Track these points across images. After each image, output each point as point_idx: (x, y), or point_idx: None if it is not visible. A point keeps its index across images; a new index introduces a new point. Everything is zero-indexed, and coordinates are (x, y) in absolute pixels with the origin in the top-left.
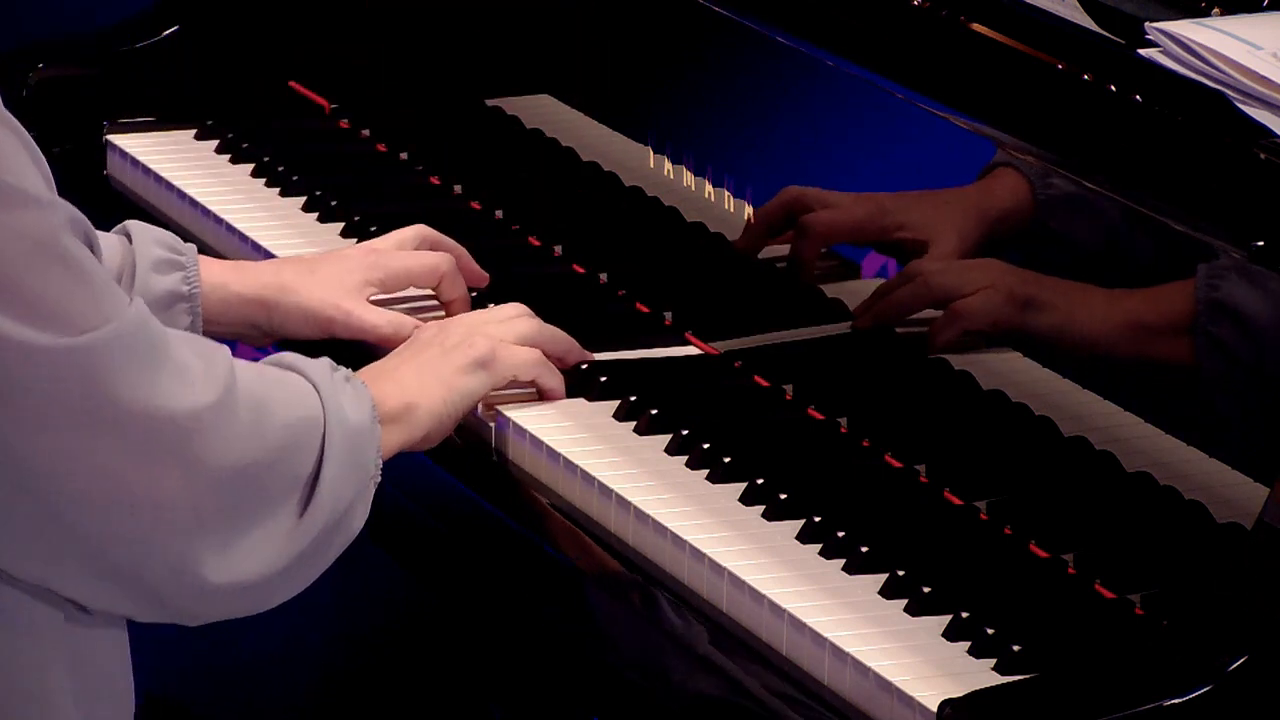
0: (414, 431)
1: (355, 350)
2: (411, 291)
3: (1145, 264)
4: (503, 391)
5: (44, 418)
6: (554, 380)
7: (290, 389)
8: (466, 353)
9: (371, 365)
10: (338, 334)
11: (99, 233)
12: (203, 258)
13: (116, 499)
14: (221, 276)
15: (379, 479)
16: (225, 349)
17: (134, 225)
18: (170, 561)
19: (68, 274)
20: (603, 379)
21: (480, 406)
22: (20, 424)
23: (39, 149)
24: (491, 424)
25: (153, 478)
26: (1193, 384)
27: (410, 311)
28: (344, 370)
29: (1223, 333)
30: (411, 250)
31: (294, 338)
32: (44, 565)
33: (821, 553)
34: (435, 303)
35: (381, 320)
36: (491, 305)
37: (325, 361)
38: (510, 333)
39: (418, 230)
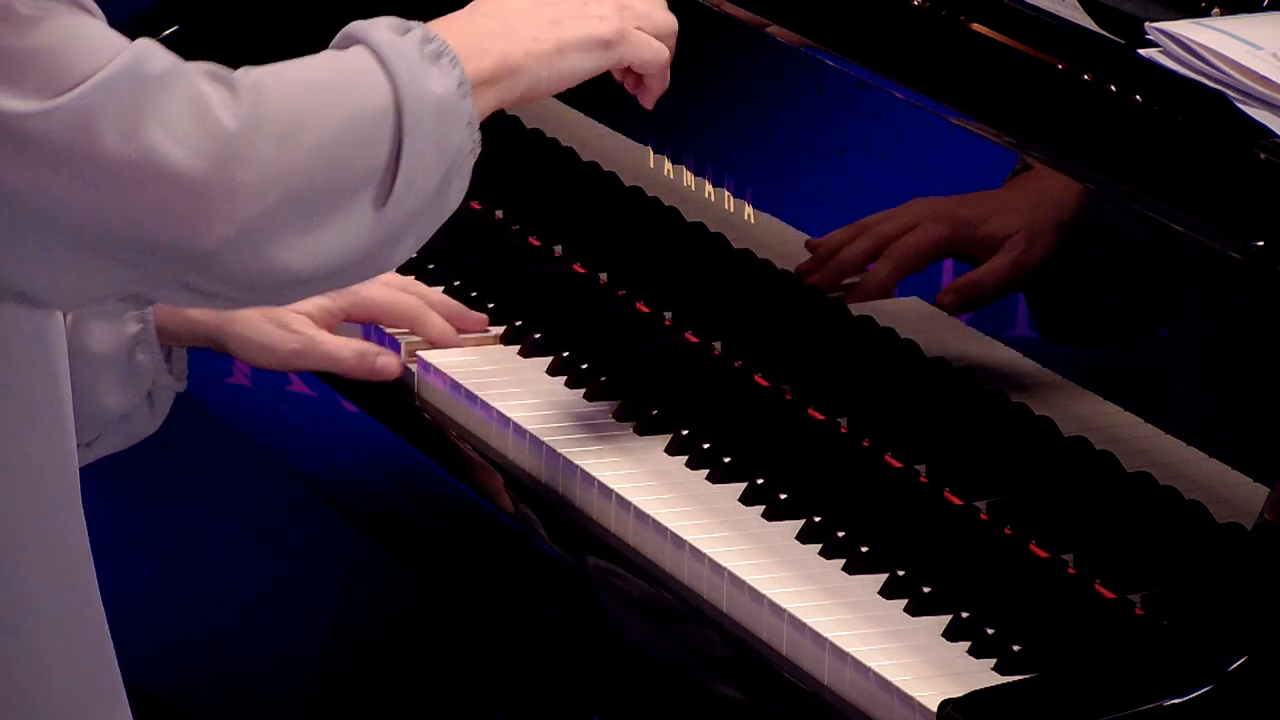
0: (511, 93)
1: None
2: None
3: (1109, 261)
4: None
5: (52, 179)
6: (660, 86)
7: (350, 77)
8: (596, 26)
9: (493, 6)
10: (298, 367)
11: None
12: None
13: (153, 237)
14: None
15: (479, 149)
16: (254, 76)
17: None
18: (239, 262)
19: (50, 45)
20: (602, 379)
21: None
22: (37, 184)
23: None
24: (490, 421)
25: (195, 217)
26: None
27: None
28: (437, 44)
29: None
30: (387, 288)
31: (253, 365)
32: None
33: (821, 553)
34: None
35: (346, 352)
36: (490, 305)
37: (415, 38)
38: (654, 16)
39: (406, 280)
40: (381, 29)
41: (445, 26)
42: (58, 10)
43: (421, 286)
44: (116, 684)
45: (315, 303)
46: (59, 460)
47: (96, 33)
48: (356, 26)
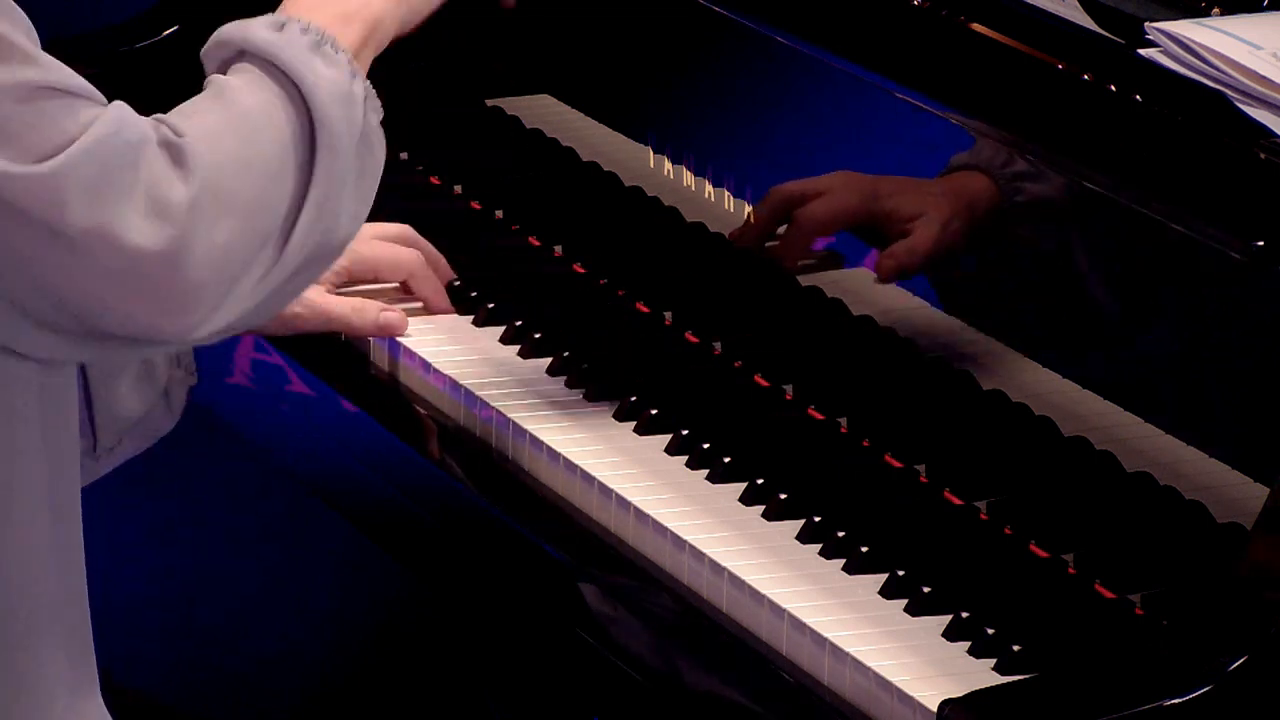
0: (382, 44)
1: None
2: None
3: (1109, 261)
4: None
5: (13, 242)
6: None
7: (269, 118)
8: None
9: None
10: (302, 329)
11: None
12: None
13: (93, 300)
14: None
15: (381, 110)
16: (197, 137)
17: None
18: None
19: (34, 118)
20: (603, 379)
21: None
22: (9, 244)
23: (18, 7)
24: (489, 421)
25: (127, 295)
26: (1179, 377)
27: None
28: (313, 35)
29: (1023, 231)
30: (384, 243)
31: (258, 332)
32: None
33: (821, 553)
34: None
35: (346, 309)
36: (490, 305)
37: (294, 32)
38: None
39: (401, 228)
40: (261, 29)
41: (303, 6)
42: (42, 77)
43: (419, 238)
44: (94, 672)
45: None
46: (64, 480)
47: (77, 96)
48: (239, 35)
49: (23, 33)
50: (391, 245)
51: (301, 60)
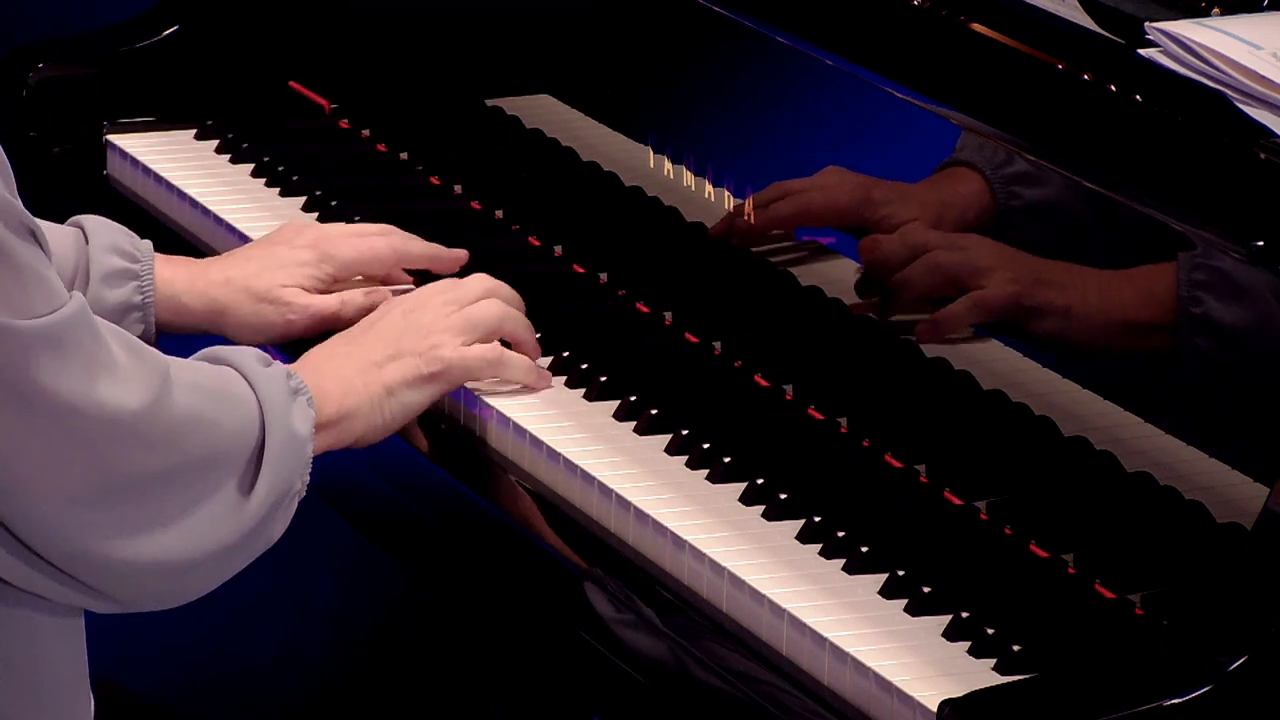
0: (343, 439)
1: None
2: None
3: (1109, 261)
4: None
5: None
6: (516, 373)
7: (230, 403)
8: (416, 365)
9: (318, 350)
10: (297, 335)
11: (48, 223)
12: (158, 259)
13: (23, 483)
14: (172, 287)
15: (304, 493)
16: (164, 363)
17: (89, 223)
18: (73, 543)
19: (11, 264)
20: (603, 379)
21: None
22: None
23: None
24: (489, 420)
25: (62, 470)
26: (1179, 379)
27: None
28: (296, 380)
29: (1203, 344)
30: (360, 237)
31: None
32: None
33: (821, 553)
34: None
35: (334, 304)
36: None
37: (280, 372)
38: (468, 326)
39: (381, 228)
40: (249, 358)
41: (296, 368)
42: (29, 241)
43: (398, 231)
44: (85, 670)
45: (305, 273)
46: None
47: (52, 274)
48: (227, 353)
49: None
50: (365, 239)
51: (278, 396)
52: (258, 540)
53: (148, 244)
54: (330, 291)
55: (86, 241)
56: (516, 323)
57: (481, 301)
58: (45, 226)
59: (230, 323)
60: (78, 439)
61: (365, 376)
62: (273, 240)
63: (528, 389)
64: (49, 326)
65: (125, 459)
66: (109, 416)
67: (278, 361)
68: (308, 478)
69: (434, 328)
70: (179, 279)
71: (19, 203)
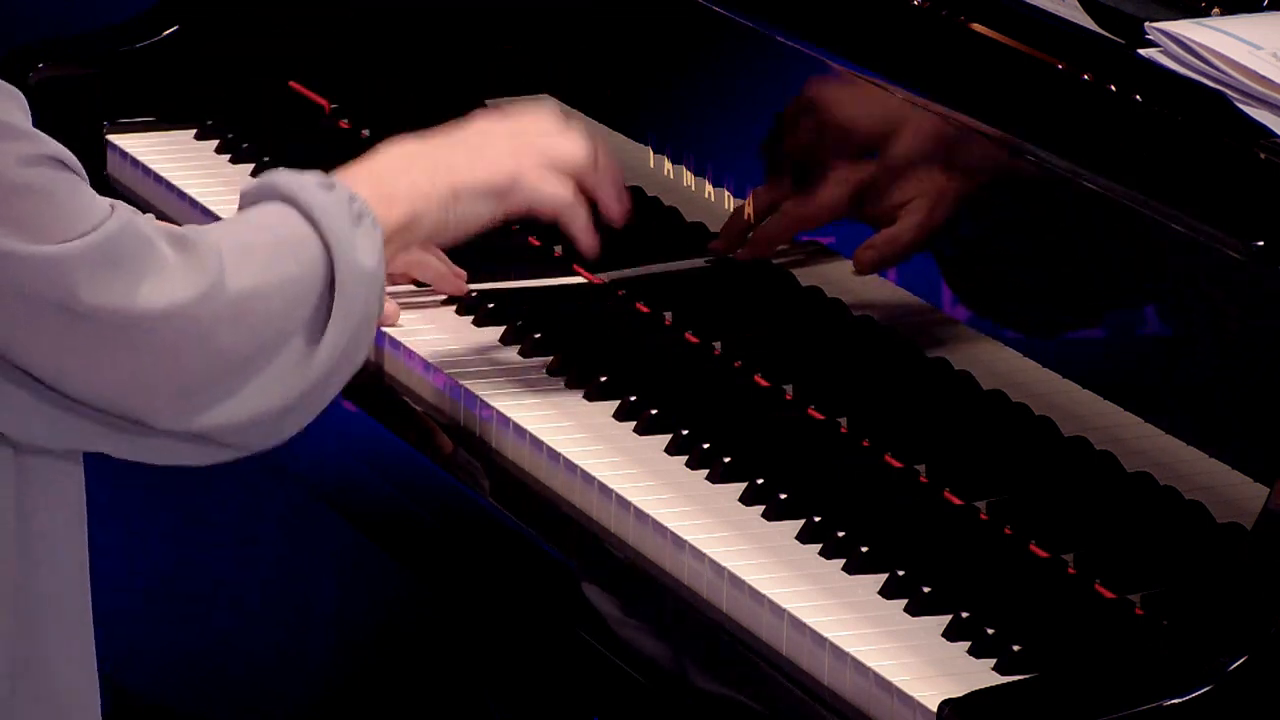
0: (411, 240)
1: None
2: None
3: (1109, 261)
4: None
5: (23, 318)
6: (578, 223)
7: (290, 254)
8: (489, 176)
9: (393, 149)
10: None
11: None
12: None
13: (106, 384)
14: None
15: (381, 310)
16: (214, 246)
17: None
18: (168, 416)
19: (41, 193)
20: (603, 379)
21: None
22: (6, 323)
23: (15, 87)
24: (490, 420)
25: (139, 375)
26: (1179, 379)
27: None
28: (359, 205)
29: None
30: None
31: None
32: (49, 428)
33: (821, 553)
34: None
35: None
36: (490, 306)
37: (342, 197)
38: (550, 159)
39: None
40: (312, 188)
41: (356, 176)
42: (56, 169)
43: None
44: (95, 676)
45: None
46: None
47: (86, 193)
48: (284, 183)
49: (19, 110)
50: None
51: (340, 224)
52: (346, 365)
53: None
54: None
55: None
56: (602, 174)
57: (571, 140)
58: None
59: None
60: (143, 344)
61: (434, 179)
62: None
63: (526, 388)
64: (94, 244)
65: (196, 349)
66: (167, 315)
67: (340, 183)
68: (383, 299)
69: (517, 149)
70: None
71: (40, 134)
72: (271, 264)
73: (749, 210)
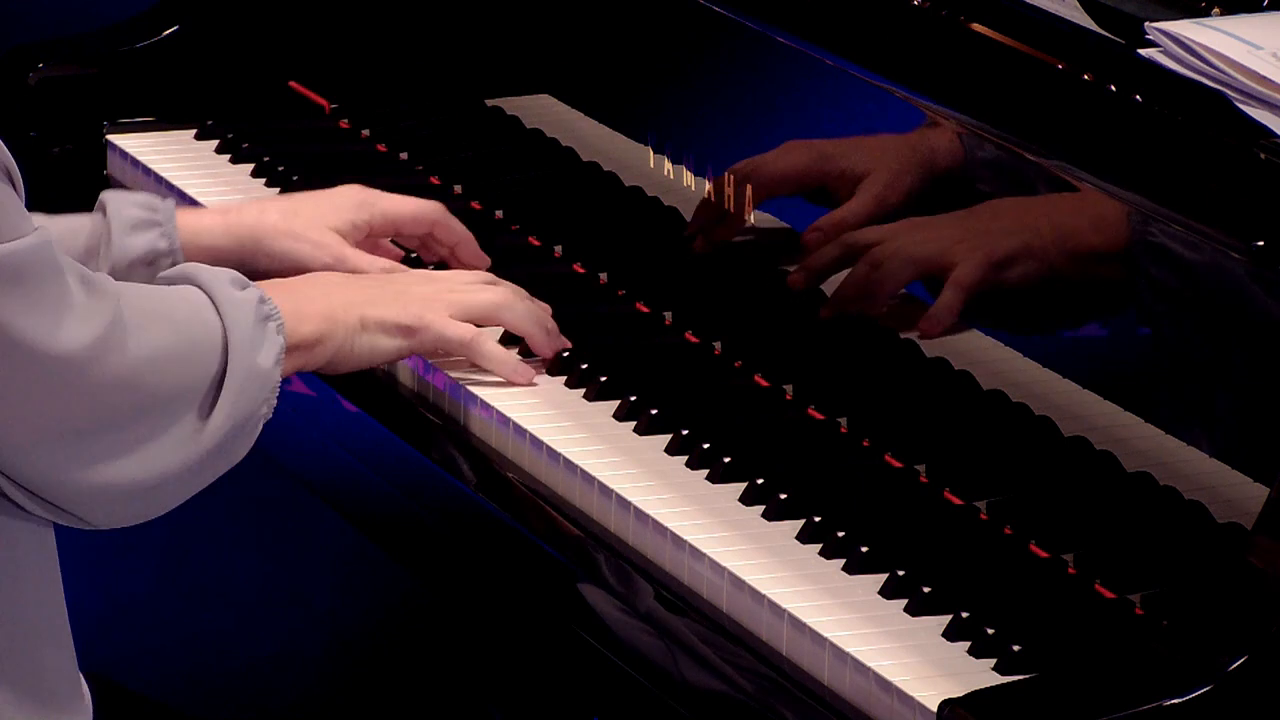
0: (314, 361)
1: None
2: None
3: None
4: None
5: None
6: (490, 362)
7: (191, 333)
8: (397, 314)
9: (317, 275)
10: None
11: (72, 216)
12: (186, 210)
13: None
14: (197, 226)
15: (269, 417)
16: (124, 299)
17: (109, 194)
18: (41, 474)
19: None
20: (603, 379)
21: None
22: None
23: None
24: (490, 420)
25: (21, 409)
26: (1179, 379)
27: None
28: (269, 308)
29: (1159, 273)
30: (406, 198)
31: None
32: None
33: (821, 553)
34: None
35: (362, 263)
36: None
37: (252, 297)
38: (460, 306)
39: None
40: (225, 284)
41: (277, 288)
42: None
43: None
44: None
45: (342, 218)
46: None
47: (12, 207)
48: (201, 273)
49: None
50: (410, 199)
51: (245, 323)
52: (220, 460)
53: (170, 201)
54: (364, 247)
55: (105, 215)
56: (520, 316)
57: (483, 289)
58: (68, 218)
59: (262, 259)
60: (33, 379)
61: (348, 308)
62: (313, 191)
63: (525, 388)
64: (4, 256)
65: (83, 398)
66: (63, 356)
67: (253, 285)
68: (274, 402)
69: (429, 296)
70: (209, 221)
71: None
72: (174, 330)
73: (712, 192)
